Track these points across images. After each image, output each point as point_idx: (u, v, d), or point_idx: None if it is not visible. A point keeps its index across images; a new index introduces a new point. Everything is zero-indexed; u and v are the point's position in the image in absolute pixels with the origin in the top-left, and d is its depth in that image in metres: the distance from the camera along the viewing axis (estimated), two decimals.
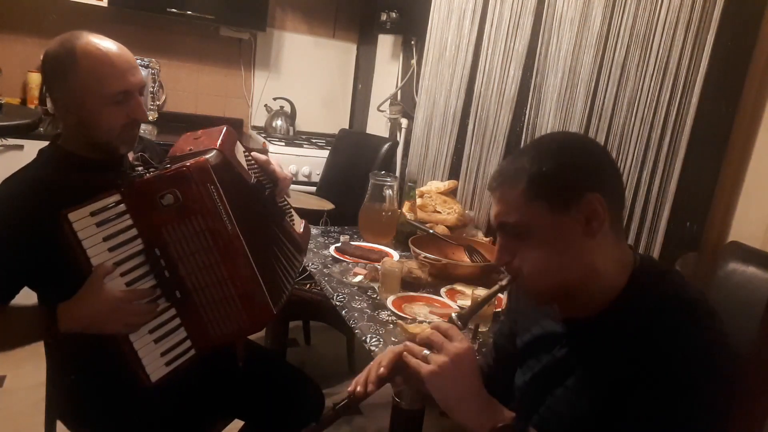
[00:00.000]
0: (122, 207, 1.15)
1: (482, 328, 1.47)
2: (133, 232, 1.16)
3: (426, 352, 0.91)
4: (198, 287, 1.18)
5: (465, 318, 1.00)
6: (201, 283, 1.18)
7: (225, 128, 1.33)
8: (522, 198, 0.88)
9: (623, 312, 0.88)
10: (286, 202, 1.49)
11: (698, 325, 0.83)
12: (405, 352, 0.93)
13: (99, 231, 1.13)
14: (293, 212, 1.50)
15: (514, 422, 0.88)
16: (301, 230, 1.50)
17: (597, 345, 0.90)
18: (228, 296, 1.18)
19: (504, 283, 0.98)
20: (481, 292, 1.50)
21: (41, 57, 1.24)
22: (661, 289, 0.88)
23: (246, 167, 1.34)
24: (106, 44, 1.23)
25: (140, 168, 1.27)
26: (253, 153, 1.43)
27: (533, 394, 0.98)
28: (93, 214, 1.13)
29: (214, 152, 1.22)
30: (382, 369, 0.95)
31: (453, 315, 0.99)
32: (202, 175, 1.16)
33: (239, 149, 1.36)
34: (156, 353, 1.17)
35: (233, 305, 1.19)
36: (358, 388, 0.96)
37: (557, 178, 0.87)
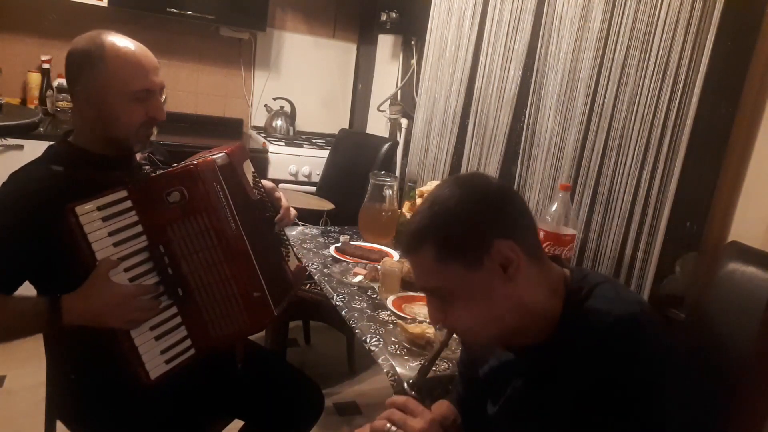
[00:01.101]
0: (128, 203, 1.17)
1: None
2: (138, 228, 1.18)
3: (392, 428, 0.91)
4: (200, 285, 1.19)
5: (419, 384, 1.00)
6: (203, 281, 1.19)
7: (238, 143, 1.38)
8: (433, 263, 0.86)
9: (564, 337, 0.87)
10: (285, 236, 1.50)
11: (629, 339, 0.81)
12: None
13: (105, 226, 1.15)
14: (291, 250, 1.51)
15: None
16: (294, 269, 1.48)
17: (548, 372, 0.89)
18: (230, 295, 1.19)
19: (445, 340, 0.98)
20: None
21: (66, 53, 1.26)
22: (590, 307, 0.87)
23: (252, 185, 1.37)
24: (133, 44, 1.27)
25: (148, 167, 1.30)
26: (263, 180, 1.45)
27: (503, 426, 0.98)
28: (99, 208, 1.15)
29: (222, 155, 1.26)
30: None
31: (405, 385, 0.99)
32: (209, 173, 1.19)
33: (249, 167, 1.39)
34: (156, 351, 1.18)
35: (235, 304, 1.20)
36: None
37: (461, 236, 0.85)
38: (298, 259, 1.54)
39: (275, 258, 1.40)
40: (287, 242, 1.49)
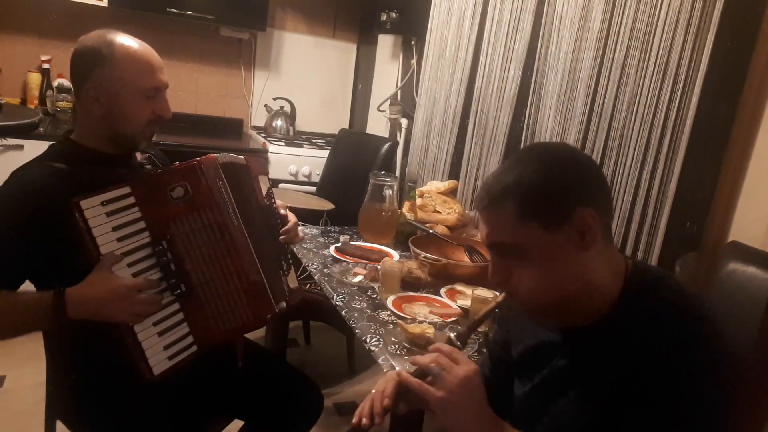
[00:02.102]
0: (132, 199, 1.19)
1: (482, 328, 1.47)
2: (142, 224, 1.19)
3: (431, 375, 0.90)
4: (203, 281, 1.21)
5: (464, 337, 0.99)
6: (206, 276, 1.21)
7: (261, 159, 1.43)
8: (513, 219, 0.86)
9: (621, 319, 0.87)
10: (289, 251, 1.53)
11: (696, 332, 0.82)
12: (409, 378, 0.92)
13: (109, 221, 1.16)
14: (293, 269, 1.53)
15: None
16: (291, 287, 1.49)
17: (597, 353, 0.89)
18: (232, 290, 1.20)
19: (500, 299, 0.98)
20: (482, 292, 1.50)
21: (74, 49, 1.27)
22: (658, 295, 0.87)
23: (264, 196, 1.42)
24: (140, 43, 1.28)
25: (149, 166, 1.31)
26: (278, 201, 1.51)
27: (534, 405, 0.98)
28: (104, 203, 1.16)
29: (229, 155, 1.30)
30: (386, 400, 0.94)
31: (452, 336, 0.98)
32: (211, 169, 1.21)
33: (265, 182, 1.44)
34: (159, 346, 1.19)
35: (237, 299, 1.21)
36: (364, 421, 0.94)
37: (547, 196, 0.85)
38: (298, 281, 1.55)
39: (275, 265, 1.40)
40: (290, 259, 1.51)
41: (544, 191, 0.85)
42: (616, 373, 0.85)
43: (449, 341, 0.97)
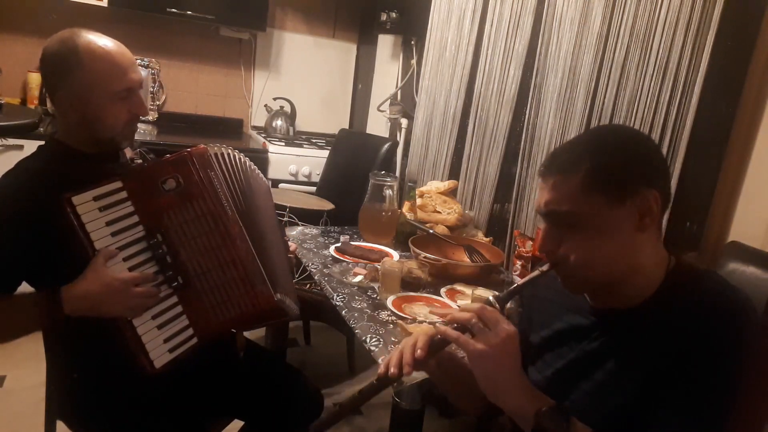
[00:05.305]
0: (124, 193, 1.18)
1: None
2: (135, 218, 1.18)
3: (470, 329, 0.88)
4: (199, 272, 1.20)
5: (503, 301, 0.97)
6: (202, 267, 1.19)
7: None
8: (578, 188, 0.87)
9: (661, 306, 0.89)
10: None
11: (738, 322, 0.83)
12: (448, 330, 0.90)
13: (102, 215, 1.15)
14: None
15: (558, 407, 0.86)
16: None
17: (632, 337, 0.90)
18: (229, 279, 1.19)
19: (544, 269, 0.96)
20: (482, 292, 1.50)
21: (40, 55, 1.25)
22: (701, 286, 0.89)
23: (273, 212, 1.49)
24: (107, 43, 1.25)
25: (140, 161, 1.30)
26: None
27: (555, 389, 0.97)
28: (96, 198, 1.15)
29: (225, 147, 1.31)
30: (420, 351, 0.91)
31: (491, 298, 0.96)
32: (202, 160, 1.21)
33: (271, 204, 1.51)
34: (159, 339, 1.18)
35: (235, 288, 1.19)
36: (392, 370, 0.90)
37: (617, 171, 0.87)
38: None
39: (282, 264, 1.41)
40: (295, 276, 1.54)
41: (617, 165, 0.87)
42: (650, 357, 0.86)
43: (489, 303, 0.95)
